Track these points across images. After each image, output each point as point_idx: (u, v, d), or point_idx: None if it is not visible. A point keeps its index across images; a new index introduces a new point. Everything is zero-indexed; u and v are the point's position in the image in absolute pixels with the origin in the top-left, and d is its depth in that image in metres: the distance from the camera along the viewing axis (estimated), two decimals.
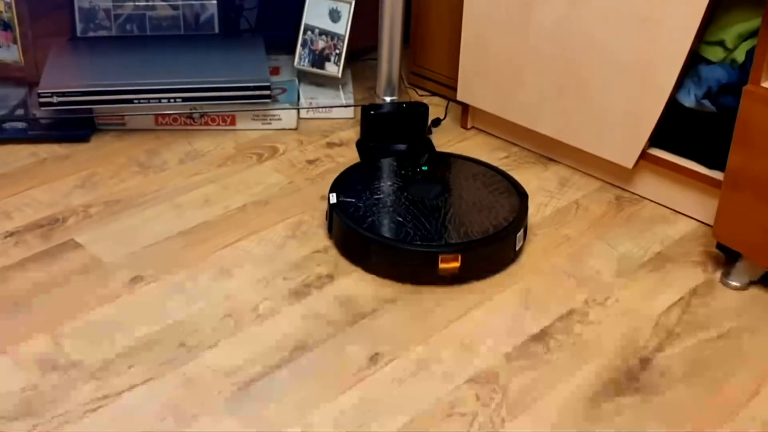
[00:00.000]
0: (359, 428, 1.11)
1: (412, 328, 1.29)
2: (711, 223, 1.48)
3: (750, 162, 1.30)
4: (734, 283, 1.39)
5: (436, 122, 1.89)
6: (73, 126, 1.80)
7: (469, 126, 1.89)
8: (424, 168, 1.48)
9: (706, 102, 1.48)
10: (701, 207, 1.55)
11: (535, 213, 1.58)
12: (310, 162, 1.74)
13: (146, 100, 1.77)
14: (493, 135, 1.86)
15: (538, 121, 1.71)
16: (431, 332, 1.28)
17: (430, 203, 1.48)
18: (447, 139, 1.84)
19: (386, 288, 1.37)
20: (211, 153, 1.76)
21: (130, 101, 1.76)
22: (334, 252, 1.46)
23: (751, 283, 1.39)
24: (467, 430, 1.12)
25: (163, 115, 1.82)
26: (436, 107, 1.93)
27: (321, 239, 1.49)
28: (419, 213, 1.45)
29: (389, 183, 1.54)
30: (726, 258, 1.43)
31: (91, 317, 1.30)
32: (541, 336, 1.28)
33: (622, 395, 1.18)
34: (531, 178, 1.70)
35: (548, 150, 1.77)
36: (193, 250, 1.45)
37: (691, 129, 1.52)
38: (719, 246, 1.43)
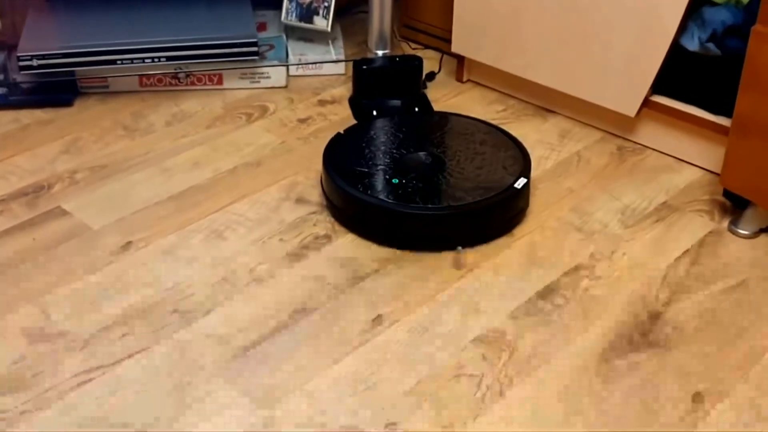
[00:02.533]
0: (363, 393, 1.08)
1: (414, 288, 1.25)
2: (717, 170, 1.43)
3: (759, 106, 1.25)
4: (743, 232, 1.35)
5: (431, 76, 1.83)
6: (56, 90, 1.74)
7: (464, 79, 1.83)
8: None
9: (710, 45, 1.42)
10: (706, 154, 1.50)
11: (536, 167, 1.53)
12: (301, 121, 1.68)
13: (130, 61, 1.70)
14: (489, 88, 1.80)
15: (537, 71, 1.65)
16: (434, 292, 1.24)
17: (427, 165, 1.41)
18: (442, 94, 1.79)
19: (387, 248, 1.33)
20: (199, 114, 1.70)
21: (113, 62, 1.70)
22: (332, 211, 1.41)
23: (761, 230, 1.35)
24: (475, 392, 1.08)
25: (148, 76, 1.76)
26: (430, 61, 1.87)
27: (317, 200, 1.44)
28: (418, 175, 1.39)
29: (385, 145, 1.47)
30: (734, 206, 1.39)
31: (80, 285, 1.25)
32: (548, 293, 1.24)
33: (634, 351, 1.14)
34: (530, 131, 1.65)
35: (547, 101, 1.72)
36: (184, 215, 1.40)
37: (695, 74, 1.47)
38: (726, 194, 1.39)
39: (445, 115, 1.61)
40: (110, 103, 1.73)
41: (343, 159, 1.42)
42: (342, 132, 1.48)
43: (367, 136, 1.51)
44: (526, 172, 1.39)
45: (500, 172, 1.39)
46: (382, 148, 1.46)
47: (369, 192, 1.34)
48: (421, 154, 1.43)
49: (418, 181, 1.37)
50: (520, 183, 1.35)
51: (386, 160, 1.42)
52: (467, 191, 1.35)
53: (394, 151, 1.45)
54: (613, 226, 1.38)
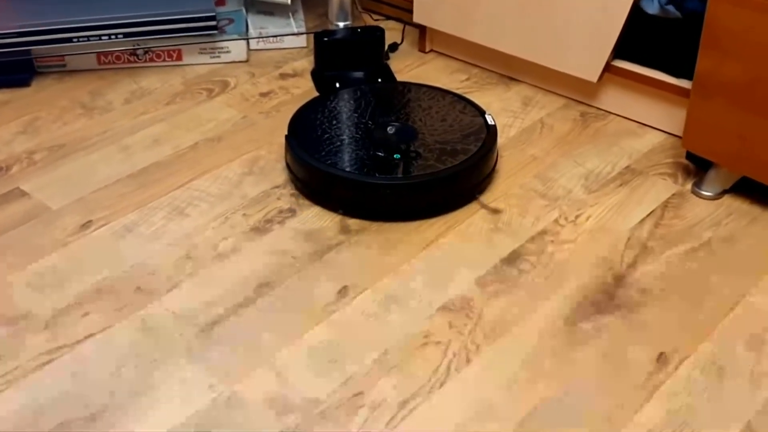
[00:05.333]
0: (332, 364, 1.07)
1: (380, 259, 1.24)
2: (680, 134, 1.44)
3: (719, 66, 1.25)
4: (707, 193, 1.36)
5: (393, 47, 1.82)
6: (12, 70, 1.70)
7: (427, 49, 1.82)
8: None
9: (670, 8, 1.42)
10: (668, 118, 1.51)
11: (499, 134, 1.53)
12: (263, 95, 1.66)
13: (86, 38, 1.67)
14: (452, 57, 1.79)
15: (500, 39, 1.64)
16: (400, 262, 1.24)
17: (392, 136, 1.39)
18: (405, 64, 1.77)
19: (351, 220, 1.32)
20: (158, 91, 1.68)
21: (69, 40, 1.67)
22: (296, 183, 1.39)
23: (724, 192, 1.36)
24: (441, 359, 1.08)
25: (106, 54, 1.73)
26: (392, 32, 1.85)
27: (279, 174, 1.43)
28: (381, 146, 1.37)
29: (349, 117, 1.46)
30: (696, 168, 1.40)
31: (41, 265, 1.23)
32: (514, 258, 1.24)
33: (600, 314, 1.14)
34: (493, 99, 1.64)
35: (510, 69, 1.71)
36: (145, 192, 1.38)
37: (656, 37, 1.47)
38: (689, 156, 1.39)
39: (409, 86, 1.59)
40: (68, 82, 1.70)
41: (306, 132, 1.40)
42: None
43: (331, 107, 1.49)
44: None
45: (462, 142, 1.39)
46: (348, 119, 1.45)
47: (335, 165, 1.33)
48: (389, 126, 1.42)
49: (380, 153, 1.36)
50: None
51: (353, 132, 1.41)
52: (433, 160, 1.35)
53: (361, 123, 1.44)
54: (577, 192, 1.38)
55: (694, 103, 1.31)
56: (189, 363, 1.07)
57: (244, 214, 1.33)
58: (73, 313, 1.15)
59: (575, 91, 1.62)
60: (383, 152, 1.34)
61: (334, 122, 1.43)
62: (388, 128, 1.40)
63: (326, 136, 1.40)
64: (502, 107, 1.62)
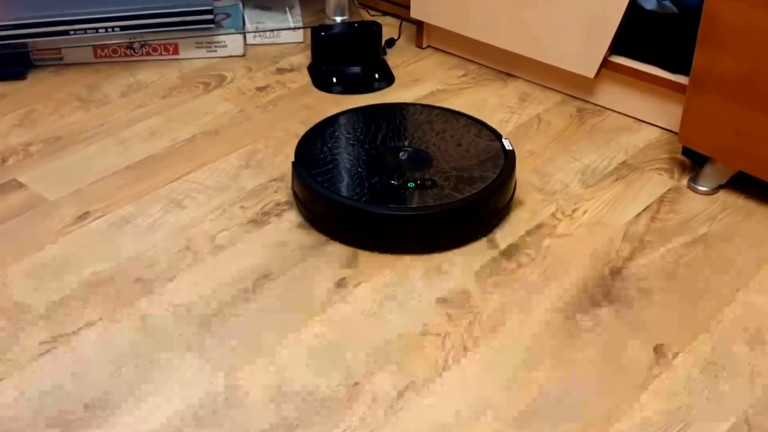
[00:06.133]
0: (327, 355, 1.07)
1: (381, 251, 1.24)
2: (676, 129, 1.44)
3: (716, 61, 1.26)
4: (702, 188, 1.36)
5: (390, 42, 1.82)
6: (8, 63, 1.70)
7: (424, 45, 1.82)
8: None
9: (667, 3, 1.43)
10: (665, 114, 1.51)
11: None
12: (260, 89, 1.66)
13: (83, 31, 1.67)
14: (449, 53, 1.79)
15: (497, 35, 1.65)
16: (401, 255, 1.24)
17: (405, 162, 1.31)
18: (402, 60, 1.77)
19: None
20: (155, 84, 1.67)
21: (66, 33, 1.66)
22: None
23: (720, 187, 1.36)
24: (440, 351, 1.08)
25: (102, 47, 1.72)
26: (389, 27, 1.85)
27: (277, 167, 1.43)
28: (394, 173, 1.28)
29: (359, 141, 1.36)
30: (692, 163, 1.40)
31: (39, 257, 1.23)
32: (512, 252, 1.25)
33: (597, 307, 1.15)
34: (490, 95, 1.65)
35: (507, 65, 1.71)
36: (142, 184, 1.38)
37: (653, 33, 1.47)
38: (685, 151, 1.40)
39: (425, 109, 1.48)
40: (64, 75, 1.70)
41: (314, 158, 1.32)
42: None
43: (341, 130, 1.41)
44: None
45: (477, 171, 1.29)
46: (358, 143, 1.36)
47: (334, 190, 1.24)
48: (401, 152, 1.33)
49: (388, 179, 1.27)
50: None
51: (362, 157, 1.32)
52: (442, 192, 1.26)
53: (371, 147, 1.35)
54: (574, 186, 1.39)
55: (690, 99, 1.31)
56: (187, 354, 1.07)
57: (241, 207, 1.33)
58: (71, 304, 1.14)
59: (572, 86, 1.63)
60: (396, 180, 1.26)
61: (343, 147, 1.35)
62: (401, 153, 1.32)
63: (335, 162, 1.31)
64: (499, 103, 1.62)
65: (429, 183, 1.26)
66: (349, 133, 1.38)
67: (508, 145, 1.34)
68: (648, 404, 1.01)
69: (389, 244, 1.24)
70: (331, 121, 1.42)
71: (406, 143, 1.35)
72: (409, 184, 1.26)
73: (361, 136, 1.37)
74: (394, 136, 1.37)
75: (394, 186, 1.25)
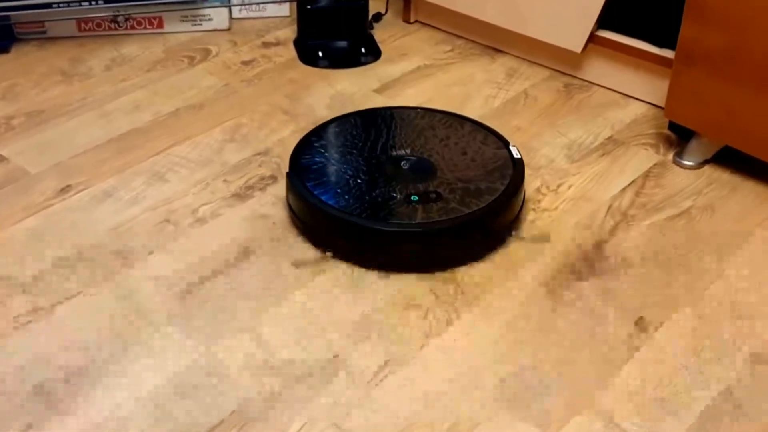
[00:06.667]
0: (309, 328, 1.07)
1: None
2: (662, 105, 1.43)
3: (703, 35, 1.25)
4: (688, 163, 1.36)
5: (377, 17, 1.80)
6: None
7: (412, 20, 1.80)
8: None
9: None
10: (652, 89, 1.51)
11: (483, 105, 1.53)
12: (245, 63, 1.65)
13: (66, 4, 1.65)
14: (437, 28, 1.78)
15: (484, 10, 1.63)
16: None
17: (407, 172, 1.22)
18: (389, 34, 1.76)
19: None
20: (139, 58, 1.66)
21: (49, 6, 1.65)
22: (278, 151, 1.39)
23: (705, 162, 1.36)
24: (422, 323, 1.08)
25: (86, 21, 1.71)
26: (376, 2, 1.83)
27: (261, 141, 1.42)
28: (396, 184, 1.20)
29: (359, 150, 1.27)
30: (678, 138, 1.40)
31: (19, 229, 1.22)
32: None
33: (581, 281, 1.14)
34: (477, 70, 1.64)
35: (495, 41, 1.70)
36: (124, 158, 1.37)
37: (640, 7, 1.46)
38: (671, 126, 1.39)
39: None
40: (48, 49, 1.68)
41: (310, 169, 1.23)
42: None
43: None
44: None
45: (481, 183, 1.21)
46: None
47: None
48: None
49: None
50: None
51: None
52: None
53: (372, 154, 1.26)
54: (560, 161, 1.38)
55: (676, 73, 1.31)
56: (168, 327, 1.06)
57: (224, 181, 1.32)
58: (53, 276, 1.14)
59: (560, 62, 1.62)
60: (399, 193, 1.18)
61: (341, 156, 1.26)
62: (402, 163, 1.24)
63: (333, 172, 1.23)
64: (486, 78, 1.61)
65: (434, 196, 1.17)
66: (347, 141, 1.29)
67: (516, 153, 1.26)
68: (630, 375, 1.01)
69: (392, 263, 1.16)
70: (327, 127, 1.33)
71: (408, 151, 1.26)
72: (412, 198, 1.17)
73: (360, 144, 1.28)
74: (394, 143, 1.28)
75: (397, 200, 1.17)
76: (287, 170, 1.23)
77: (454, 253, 1.17)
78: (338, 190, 1.19)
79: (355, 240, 1.16)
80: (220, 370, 1.01)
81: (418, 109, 1.36)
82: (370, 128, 1.32)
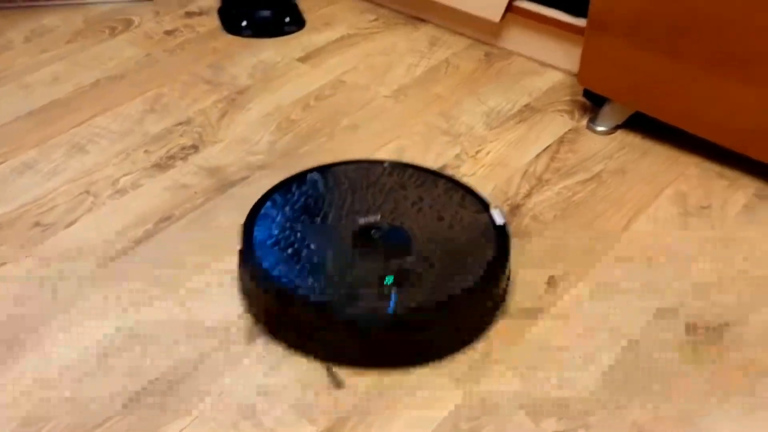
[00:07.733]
0: (232, 290, 1.08)
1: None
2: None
3: (612, 2, 1.28)
4: (601, 128, 1.40)
5: None
6: None
7: None
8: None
9: None
10: (568, 57, 1.55)
11: (405, 74, 1.55)
12: (168, 33, 1.64)
13: None
14: None
15: None
16: None
17: (379, 243, 1.06)
18: (314, 3, 1.77)
19: (257, 156, 1.32)
20: (60, 29, 1.64)
21: None
22: (199, 121, 1.39)
23: (617, 127, 1.41)
24: None
25: None
26: None
27: (183, 111, 1.42)
28: (368, 260, 1.03)
29: (323, 217, 1.09)
30: (592, 105, 1.44)
31: None
32: None
33: None
34: (400, 39, 1.66)
35: (417, 10, 1.72)
36: (44, 130, 1.36)
37: None
38: (586, 94, 1.43)
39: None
40: None
41: (267, 244, 1.04)
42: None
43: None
44: None
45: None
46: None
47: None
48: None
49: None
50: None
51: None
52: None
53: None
54: (479, 128, 1.41)
55: (588, 39, 1.34)
56: (90, 295, 1.07)
57: (145, 151, 1.32)
58: None
59: (480, 31, 1.65)
60: (371, 276, 1.00)
61: (303, 225, 1.08)
62: (373, 232, 1.07)
63: (295, 247, 1.04)
64: (409, 47, 1.63)
65: (411, 275, 1.01)
66: (308, 206, 1.11)
67: (498, 219, 1.10)
68: (540, 329, 1.05)
69: (368, 359, 1.00)
70: (283, 190, 1.14)
71: (378, 218, 1.09)
72: (386, 279, 1.00)
73: (324, 210, 1.10)
74: (361, 207, 1.11)
75: (370, 282, 0.99)
76: (239, 246, 1.07)
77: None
78: (302, 271, 1.01)
79: (325, 331, 0.99)
80: (146, 336, 1.02)
81: (386, 164, 1.19)
82: (333, 190, 1.15)
